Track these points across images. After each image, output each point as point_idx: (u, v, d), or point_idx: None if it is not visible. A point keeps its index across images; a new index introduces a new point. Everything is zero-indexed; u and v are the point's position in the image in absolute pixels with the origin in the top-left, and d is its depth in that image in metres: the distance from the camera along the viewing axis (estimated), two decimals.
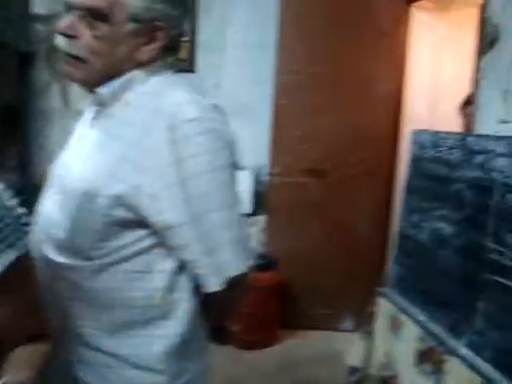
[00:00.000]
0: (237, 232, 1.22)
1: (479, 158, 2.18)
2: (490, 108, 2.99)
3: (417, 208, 2.57)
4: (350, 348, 2.99)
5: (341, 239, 3.95)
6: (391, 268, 2.76)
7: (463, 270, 2.22)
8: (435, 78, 4.08)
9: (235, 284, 1.21)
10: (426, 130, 2.58)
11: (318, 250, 3.94)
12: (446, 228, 2.35)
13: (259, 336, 3.88)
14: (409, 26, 4.05)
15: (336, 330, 4.03)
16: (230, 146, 1.24)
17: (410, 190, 2.65)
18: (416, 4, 4.09)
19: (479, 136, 2.19)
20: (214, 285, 1.20)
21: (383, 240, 3.95)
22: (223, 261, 1.19)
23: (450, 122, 3.66)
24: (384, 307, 2.69)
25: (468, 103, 3.27)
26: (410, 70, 4.02)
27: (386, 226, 3.93)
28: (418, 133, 2.63)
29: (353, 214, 3.94)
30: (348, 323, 4.01)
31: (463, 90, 3.56)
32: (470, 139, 2.24)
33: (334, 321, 4.04)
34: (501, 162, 2.07)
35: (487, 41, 3.14)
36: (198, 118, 1.16)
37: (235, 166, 1.26)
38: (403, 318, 2.52)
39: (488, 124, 3.00)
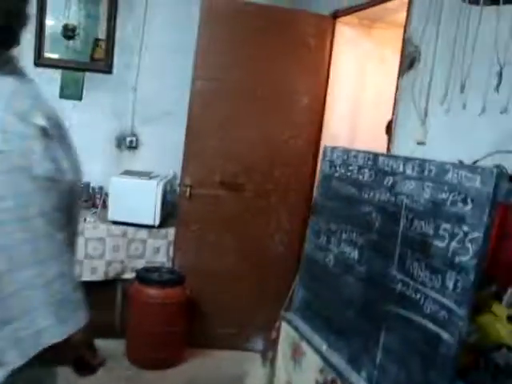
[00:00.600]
0: (51, 292, 0.95)
1: (388, 180, 2.00)
2: (407, 128, 2.85)
3: (325, 230, 2.37)
4: (252, 373, 2.75)
5: (254, 256, 3.72)
6: (296, 291, 2.54)
7: (366, 299, 2.03)
8: (358, 94, 3.93)
9: (56, 352, 0.94)
10: (337, 147, 2.38)
11: (228, 266, 3.69)
12: (352, 253, 2.15)
13: (163, 355, 3.59)
14: (333, 40, 3.89)
15: (245, 349, 3.78)
16: (58, 183, 0.96)
17: (318, 210, 2.45)
18: (341, 19, 3.93)
19: (389, 156, 2.01)
20: (14, 358, 0.92)
21: (297, 260, 3.75)
22: (28, 330, 0.92)
23: (371, 140, 3.52)
24: (287, 333, 2.46)
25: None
26: (333, 85, 3.86)
27: (301, 246, 3.73)
28: (329, 149, 2.43)
29: (268, 230, 3.72)
30: (258, 343, 3.77)
31: (386, 109, 3.41)
32: (380, 159, 2.05)
33: (244, 340, 3.80)
34: (409, 185, 1.89)
35: (407, 61, 3.01)
36: (3, 151, 0.88)
37: (70, 205, 0.98)
38: (305, 346, 2.30)
39: (405, 144, 2.86)
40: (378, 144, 3.54)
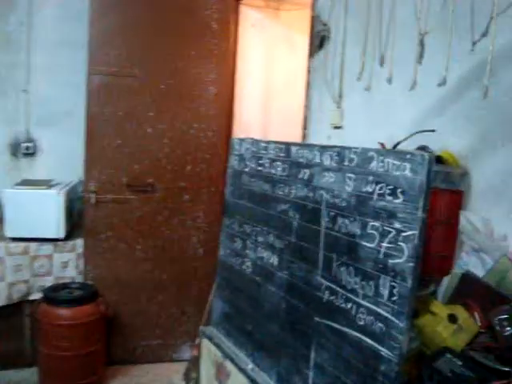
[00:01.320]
0: None
1: (304, 173, 1.67)
2: (322, 112, 2.55)
3: (239, 232, 2.02)
4: None
5: (172, 261, 3.33)
6: (214, 303, 2.19)
7: (291, 311, 1.71)
8: (268, 80, 3.60)
9: None
10: (245, 139, 2.04)
11: (146, 274, 3.29)
12: (271, 258, 1.82)
13: (81, 380, 3.13)
14: (239, 24, 3.53)
15: (172, 360, 3.40)
16: None
17: (230, 210, 2.10)
18: (245, 1, 3.58)
19: (303, 146, 1.68)
20: None
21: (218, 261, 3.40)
22: None
23: (286, 128, 3.21)
24: (208, 351, 2.11)
25: None
26: (241, 72, 3.50)
27: None
28: (236, 142, 2.08)
29: (184, 232, 3.34)
30: (185, 352, 3.41)
31: (299, 94, 3.11)
32: (293, 149, 1.73)
33: (170, 351, 3.42)
34: (328, 178, 1.57)
35: (317, 40, 2.70)
36: None
37: None
38: (229, 365, 1.97)
39: (320, 130, 2.56)
40: (293, 131, 3.24)
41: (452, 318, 1.53)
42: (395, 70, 2.14)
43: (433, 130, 1.89)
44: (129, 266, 3.23)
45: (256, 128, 3.36)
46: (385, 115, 2.20)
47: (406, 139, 1.97)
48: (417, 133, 1.93)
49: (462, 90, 1.92)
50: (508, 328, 1.44)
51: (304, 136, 2.69)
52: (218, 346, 2.05)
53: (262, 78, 3.57)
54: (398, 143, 2.01)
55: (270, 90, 3.60)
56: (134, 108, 3.13)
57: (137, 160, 3.16)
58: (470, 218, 1.75)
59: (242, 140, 2.06)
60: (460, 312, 1.56)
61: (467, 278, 1.69)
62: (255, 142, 1.96)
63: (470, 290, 1.66)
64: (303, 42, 3.12)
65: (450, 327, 1.52)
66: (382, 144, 2.10)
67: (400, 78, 2.13)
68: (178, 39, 3.20)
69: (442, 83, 1.98)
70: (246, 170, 2.01)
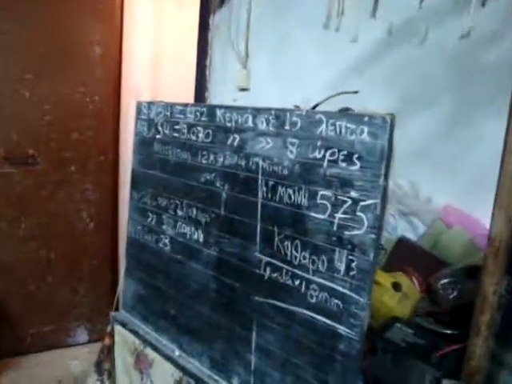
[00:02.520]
0: None
1: (234, 139, 1.43)
2: (225, 73, 2.29)
3: (152, 206, 1.73)
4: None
5: (60, 238, 2.91)
6: (125, 285, 1.89)
7: (223, 290, 1.49)
8: (157, 40, 3.19)
9: None
10: (155, 102, 1.73)
11: (31, 256, 2.84)
12: (195, 233, 1.57)
13: None
14: None
15: (68, 345, 3.02)
16: None
17: (139, 182, 1.80)
18: None
19: (231, 108, 1.43)
20: None
21: (114, 240, 3.03)
22: None
23: (178, 91, 2.88)
24: (123, 338, 1.83)
25: None
26: (128, 31, 3.05)
27: (114, 219, 3.01)
28: (144, 105, 1.76)
29: (72, 206, 2.91)
30: (82, 335, 3.04)
31: (189, 54, 2.80)
32: (218, 113, 1.47)
33: (65, 336, 3.02)
34: (264, 145, 1.34)
35: None
36: None
37: None
38: (150, 353, 1.70)
39: (224, 92, 2.30)
40: (186, 95, 2.94)
41: (396, 286, 1.42)
42: (307, 27, 1.94)
43: (356, 92, 1.74)
44: (12, 247, 2.76)
45: (146, 92, 3.00)
46: (297, 76, 2.01)
47: (324, 101, 1.79)
48: (338, 94, 1.76)
49: (380, 49, 1.79)
50: (451, 292, 1.36)
51: (204, 99, 2.42)
52: (134, 332, 1.78)
53: (150, 38, 3.16)
54: (316, 105, 1.82)
55: (160, 51, 3.22)
56: (7, 70, 2.61)
57: (14, 129, 2.66)
58: (398, 182, 1.65)
59: (150, 103, 1.74)
60: (402, 279, 1.46)
61: (402, 243, 1.59)
62: (169, 105, 1.66)
63: (407, 256, 1.57)
64: (191, 1, 2.81)
65: (395, 296, 1.41)
66: (298, 106, 1.91)
67: (313, 35, 1.94)
68: None
69: (355, 40, 1.83)
70: (158, 136, 1.71)
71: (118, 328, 1.84)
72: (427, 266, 1.51)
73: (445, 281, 1.38)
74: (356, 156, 1.14)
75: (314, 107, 1.82)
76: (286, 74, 2.04)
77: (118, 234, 2.98)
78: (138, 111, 1.79)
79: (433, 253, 1.54)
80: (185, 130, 1.60)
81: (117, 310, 1.94)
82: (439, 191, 1.63)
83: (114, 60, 2.82)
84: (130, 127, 2.97)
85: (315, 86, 1.96)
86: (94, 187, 2.93)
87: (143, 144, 1.78)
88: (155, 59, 2.95)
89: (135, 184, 1.83)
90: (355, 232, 1.16)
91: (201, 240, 1.55)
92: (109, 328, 1.86)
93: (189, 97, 2.92)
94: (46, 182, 2.83)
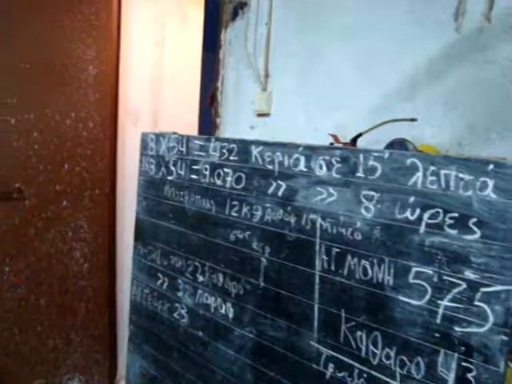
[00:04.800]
0: None
1: (278, 187, 1.04)
2: (240, 96, 1.90)
3: (162, 266, 1.33)
4: None
5: (51, 284, 2.48)
6: (129, 359, 1.47)
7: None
8: (158, 59, 2.81)
9: None
10: (165, 133, 1.33)
11: (18, 303, 2.40)
12: (222, 307, 1.17)
13: None
14: None
15: None
16: None
17: (146, 234, 1.39)
18: None
19: (270, 145, 1.04)
20: None
21: (111, 283, 2.61)
22: None
23: (183, 116, 2.51)
24: None
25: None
26: (127, 48, 2.66)
27: (111, 260, 2.59)
28: (152, 138, 1.36)
29: (65, 247, 2.49)
30: None
31: (194, 76, 2.42)
32: (254, 150, 1.07)
33: None
34: (325, 196, 0.95)
35: (229, 8, 2.01)
36: None
37: None
38: None
39: (239, 119, 1.91)
40: (192, 120, 2.55)
41: None
42: (344, 39, 1.57)
43: (414, 119, 1.36)
44: None
45: (146, 116, 2.60)
46: (329, 99, 1.63)
47: (371, 129, 1.41)
48: (389, 122, 1.38)
49: (439, 67, 1.41)
50: None
51: (215, 126, 2.02)
52: None
53: (150, 56, 2.78)
54: (359, 135, 1.44)
55: (161, 71, 2.83)
56: None
57: None
58: None
59: (159, 135, 1.34)
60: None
61: None
62: (184, 138, 1.26)
63: None
64: (197, 14, 2.44)
65: None
66: (335, 136, 1.52)
67: (350, 48, 1.56)
68: (46, 5, 2.31)
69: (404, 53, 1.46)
70: (170, 178, 1.31)
71: None
72: None
73: None
74: (474, 221, 0.76)
75: (355, 138, 1.44)
76: (315, 96, 1.66)
77: (115, 275, 2.56)
78: (144, 145, 1.39)
79: None
80: (207, 172, 1.20)
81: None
82: None
83: (109, 81, 2.42)
84: (128, 155, 2.57)
85: (353, 111, 1.58)
86: (89, 224, 2.51)
87: (150, 186, 1.38)
88: (156, 80, 2.56)
89: (140, 236, 1.42)
90: (473, 329, 0.77)
91: (230, 316, 1.15)
92: None
93: (195, 122, 2.54)
94: (34, 219, 2.41)
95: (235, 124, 1.92)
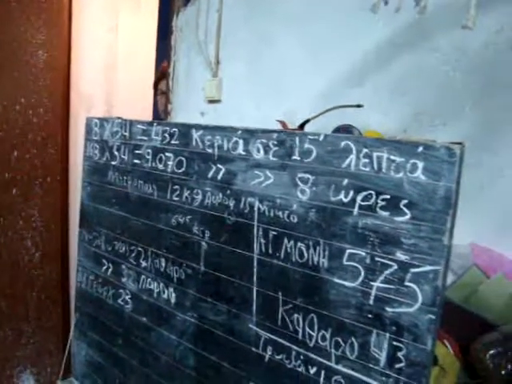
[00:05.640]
0: None
1: (217, 170, 1.01)
2: (191, 83, 1.86)
3: (106, 251, 1.29)
4: None
5: (2, 275, 2.39)
6: (75, 347, 1.42)
7: (206, 370, 1.06)
8: (111, 43, 2.71)
9: None
10: (109, 118, 1.28)
11: None
12: (165, 292, 1.14)
13: None
14: None
15: None
16: None
17: (91, 220, 1.34)
18: None
19: (211, 129, 1.01)
20: None
21: (64, 272, 2.53)
22: None
23: (135, 102, 2.45)
24: None
25: (163, 78, 2.06)
26: (78, 32, 2.56)
27: (66, 253, 2.51)
28: (96, 122, 1.31)
29: (16, 236, 2.41)
30: (27, 382, 2.52)
31: (147, 60, 2.37)
32: (195, 134, 1.04)
33: (7, 383, 2.49)
34: (263, 179, 0.93)
35: None
36: None
37: None
38: None
39: (190, 104, 1.87)
40: (145, 107, 2.50)
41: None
42: (293, 26, 1.55)
43: (360, 106, 1.35)
44: None
45: (99, 102, 2.52)
46: (279, 85, 1.61)
47: (318, 115, 1.40)
48: (336, 108, 1.37)
49: (386, 54, 1.41)
50: (505, 364, 0.99)
51: (166, 112, 1.98)
52: None
53: (104, 41, 2.68)
54: (306, 121, 1.43)
55: (115, 57, 2.74)
56: None
57: None
58: None
59: (103, 120, 1.29)
60: (437, 347, 1.07)
61: None
62: (127, 123, 1.22)
63: None
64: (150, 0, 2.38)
65: (432, 372, 1.02)
66: (283, 122, 1.51)
67: (299, 34, 1.54)
68: None
69: (354, 39, 1.45)
70: (114, 163, 1.26)
71: None
72: (461, 325, 1.14)
73: (494, 351, 1.02)
74: (405, 202, 0.75)
75: (303, 124, 1.42)
76: (265, 83, 1.64)
77: (68, 265, 2.48)
78: (88, 130, 1.34)
79: (466, 307, 1.17)
80: (149, 157, 1.16)
81: (65, 376, 1.47)
82: (463, 229, 1.27)
83: (61, 66, 2.33)
84: (81, 143, 2.49)
85: (302, 98, 1.57)
86: (40, 212, 2.42)
87: (94, 172, 1.33)
88: (110, 65, 2.48)
89: (85, 222, 1.37)
90: (403, 309, 0.76)
91: (172, 301, 1.12)
92: None
93: (149, 108, 2.48)
94: None
95: (186, 110, 1.88)
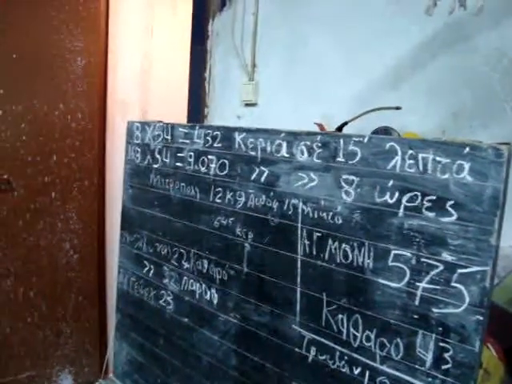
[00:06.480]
0: None
1: (260, 173, 1.04)
2: (228, 87, 1.90)
3: (148, 253, 1.33)
4: None
5: (40, 275, 2.47)
6: (116, 347, 1.47)
7: (248, 370, 1.08)
8: (147, 49, 2.76)
9: None
10: (150, 122, 1.33)
11: (7, 294, 2.39)
12: (207, 293, 1.17)
13: None
14: None
15: None
16: None
17: (130, 222, 1.39)
18: None
19: (253, 131, 1.04)
20: None
21: (101, 274, 2.60)
22: None
23: (170, 107, 2.49)
24: None
25: None
26: (114, 39, 2.62)
27: (103, 255, 2.58)
28: (137, 126, 1.36)
29: (54, 238, 2.48)
30: (65, 380, 2.60)
31: (183, 66, 2.40)
32: (238, 137, 1.07)
33: (47, 382, 2.57)
34: (306, 181, 0.96)
35: None
36: None
37: None
38: None
39: (226, 108, 1.91)
40: (181, 112, 2.54)
41: None
42: (329, 29, 1.57)
43: (398, 108, 1.36)
44: None
45: (135, 107, 2.58)
46: (315, 88, 1.63)
47: (356, 118, 1.42)
48: (375, 110, 1.38)
49: (423, 56, 1.42)
50: None
51: (203, 116, 2.02)
52: None
53: (139, 47, 2.74)
54: (344, 123, 1.44)
55: (151, 62, 2.80)
56: None
57: None
58: None
59: (145, 124, 1.34)
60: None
61: None
62: (169, 126, 1.26)
63: None
64: (186, 3, 2.42)
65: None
66: (320, 125, 1.53)
67: (337, 40, 1.56)
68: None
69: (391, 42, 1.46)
70: (156, 166, 1.31)
71: None
72: (504, 327, 1.14)
73: None
74: (451, 203, 0.76)
75: (341, 126, 1.44)
76: (301, 86, 1.66)
77: (105, 266, 2.55)
78: (130, 134, 1.39)
79: (509, 310, 1.17)
80: (191, 159, 1.20)
81: (106, 374, 1.52)
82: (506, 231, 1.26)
83: (98, 72, 2.40)
84: (117, 147, 2.56)
85: (339, 100, 1.59)
86: (78, 215, 2.49)
87: (136, 175, 1.38)
88: (145, 71, 2.54)
89: (126, 224, 1.42)
90: (450, 310, 0.78)
91: (215, 302, 1.15)
92: None
93: (183, 114, 2.53)
94: (23, 210, 2.39)
95: (222, 114, 1.92)
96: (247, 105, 1.82)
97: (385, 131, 1.38)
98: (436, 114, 1.41)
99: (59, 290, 2.52)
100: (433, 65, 1.42)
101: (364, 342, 0.88)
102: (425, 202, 0.79)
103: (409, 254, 0.81)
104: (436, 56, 1.42)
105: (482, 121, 1.34)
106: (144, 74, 2.56)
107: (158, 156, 1.29)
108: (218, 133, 1.12)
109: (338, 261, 0.90)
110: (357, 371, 0.89)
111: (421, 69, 1.45)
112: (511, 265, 1.20)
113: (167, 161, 1.26)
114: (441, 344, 0.79)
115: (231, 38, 1.83)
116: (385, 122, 1.44)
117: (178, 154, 1.23)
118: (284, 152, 0.98)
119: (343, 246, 0.89)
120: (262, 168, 1.02)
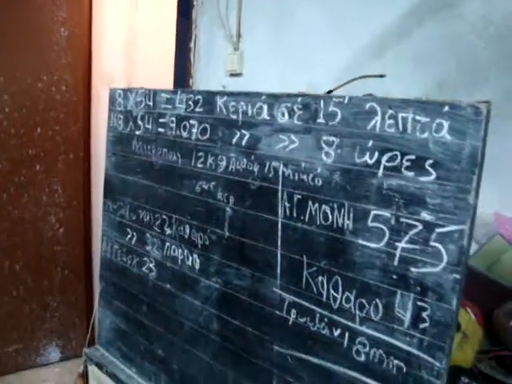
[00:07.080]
0: None
1: (241, 136, 1.03)
2: (213, 57, 1.87)
3: (130, 220, 1.32)
4: None
5: (26, 249, 2.45)
6: (100, 315, 1.47)
7: (230, 334, 1.09)
8: (131, 19, 2.70)
9: None
10: (133, 89, 1.31)
11: None
12: (189, 258, 1.17)
13: None
14: None
15: (39, 365, 2.58)
16: None
17: (113, 189, 1.37)
18: None
19: (235, 94, 1.02)
20: None
21: (87, 247, 2.59)
22: None
23: (156, 77, 2.45)
24: (98, 382, 1.41)
25: None
26: (98, 9, 2.57)
27: (89, 228, 2.57)
28: (119, 93, 1.34)
29: (39, 212, 2.46)
30: (54, 353, 2.61)
31: (168, 37, 2.36)
32: (219, 101, 1.06)
33: (33, 355, 2.58)
34: (287, 144, 0.95)
35: None
36: None
37: None
38: None
39: (211, 78, 1.88)
40: (166, 83, 2.50)
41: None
42: None
43: (382, 76, 1.35)
44: None
45: (120, 78, 2.54)
46: (301, 57, 1.61)
47: (341, 86, 1.40)
48: (359, 78, 1.37)
49: (408, 24, 1.40)
50: None
51: (188, 87, 1.99)
52: (113, 376, 1.37)
53: (124, 17, 2.68)
54: (329, 92, 1.42)
55: (135, 32, 2.74)
56: None
57: None
58: None
59: (127, 91, 1.32)
60: (460, 314, 1.09)
61: None
62: (151, 92, 1.24)
63: None
64: None
65: (455, 338, 1.03)
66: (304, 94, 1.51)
67: (324, 9, 1.54)
68: None
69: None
70: (138, 132, 1.29)
71: (93, 370, 1.43)
72: (483, 292, 1.15)
73: None
74: (430, 162, 0.76)
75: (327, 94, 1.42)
76: (287, 55, 1.64)
77: (91, 239, 2.54)
78: (112, 101, 1.37)
79: (489, 276, 1.18)
80: (173, 125, 1.18)
81: (91, 343, 1.52)
82: (487, 198, 1.26)
83: (82, 43, 2.36)
84: (102, 119, 2.52)
85: (324, 70, 1.57)
86: (63, 188, 2.48)
87: (119, 142, 1.36)
88: (130, 42, 2.50)
89: (109, 192, 1.40)
90: (428, 269, 0.78)
91: (197, 267, 1.15)
92: (81, 368, 1.44)
93: (169, 85, 2.49)
94: (6, 183, 2.37)
95: (207, 84, 1.89)
96: (232, 75, 1.79)
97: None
98: (421, 82, 1.39)
99: (45, 264, 2.52)
100: (419, 32, 1.40)
101: (344, 303, 0.88)
102: (404, 162, 0.78)
103: (388, 215, 0.81)
104: (422, 23, 1.40)
105: (466, 89, 1.33)
106: (129, 45, 2.52)
107: (140, 122, 1.27)
108: (200, 97, 1.10)
109: (318, 223, 0.90)
110: (336, 333, 0.90)
111: (406, 37, 1.43)
112: (492, 232, 1.21)
113: (149, 127, 1.24)
114: (419, 303, 0.79)
115: (216, 7, 1.79)
116: (370, 90, 1.42)
117: (160, 120, 1.21)
118: (265, 115, 0.97)
119: (323, 207, 0.89)
120: (243, 131, 1.01)
